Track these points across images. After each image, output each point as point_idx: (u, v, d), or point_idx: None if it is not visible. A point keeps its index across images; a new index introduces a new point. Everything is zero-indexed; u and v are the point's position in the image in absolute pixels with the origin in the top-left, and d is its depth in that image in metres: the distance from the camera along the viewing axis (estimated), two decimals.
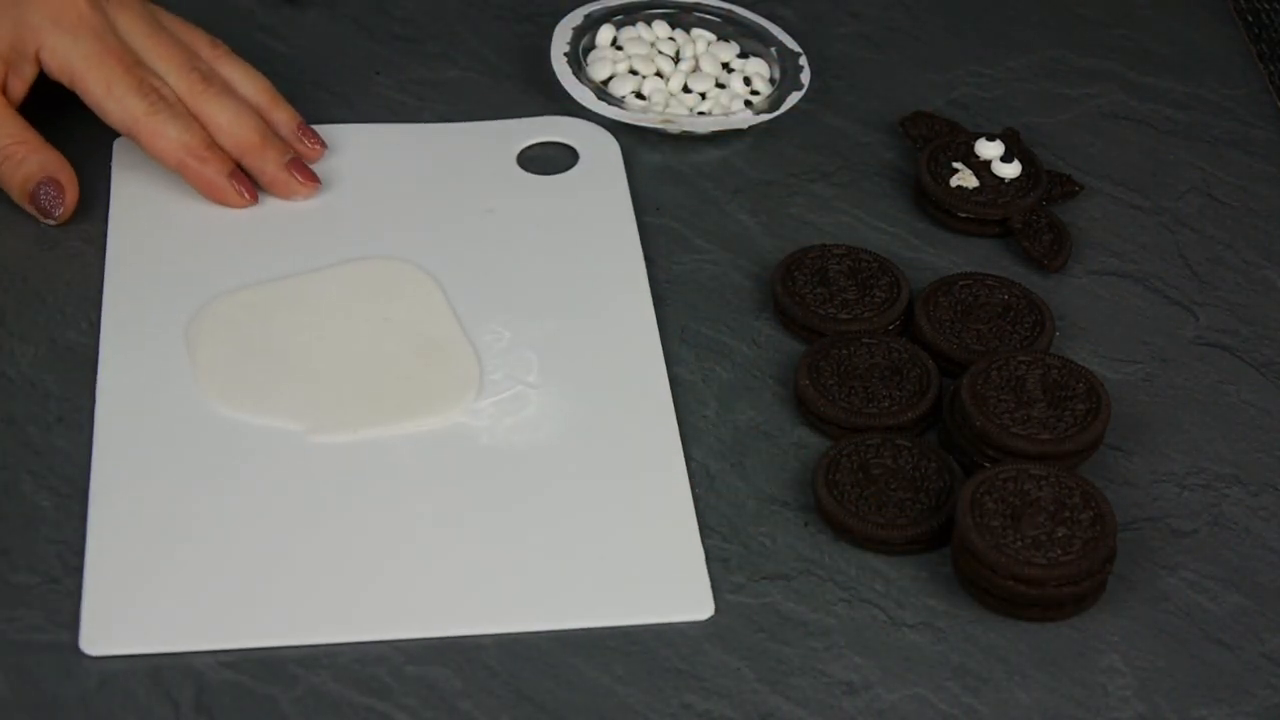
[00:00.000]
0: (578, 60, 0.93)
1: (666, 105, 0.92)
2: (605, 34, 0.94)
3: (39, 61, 0.84)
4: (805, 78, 0.93)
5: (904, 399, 0.79)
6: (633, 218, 0.87)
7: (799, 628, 0.72)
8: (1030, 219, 0.87)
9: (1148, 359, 0.83)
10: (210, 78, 0.86)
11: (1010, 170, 0.88)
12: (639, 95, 0.92)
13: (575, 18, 0.95)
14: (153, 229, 0.85)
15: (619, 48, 0.94)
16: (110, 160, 0.87)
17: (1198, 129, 0.94)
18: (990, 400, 0.77)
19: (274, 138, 0.87)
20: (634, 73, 0.93)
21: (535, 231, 0.86)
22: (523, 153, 0.90)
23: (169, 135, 0.84)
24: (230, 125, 0.86)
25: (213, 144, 0.85)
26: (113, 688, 0.69)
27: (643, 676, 0.71)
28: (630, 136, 0.91)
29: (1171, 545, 0.76)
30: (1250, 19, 1.00)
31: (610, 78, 0.93)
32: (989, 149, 0.89)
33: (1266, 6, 1.01)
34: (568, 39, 0.93)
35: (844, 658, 0.72)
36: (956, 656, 0.72)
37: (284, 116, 0.88)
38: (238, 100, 0.86)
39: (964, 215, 0.87)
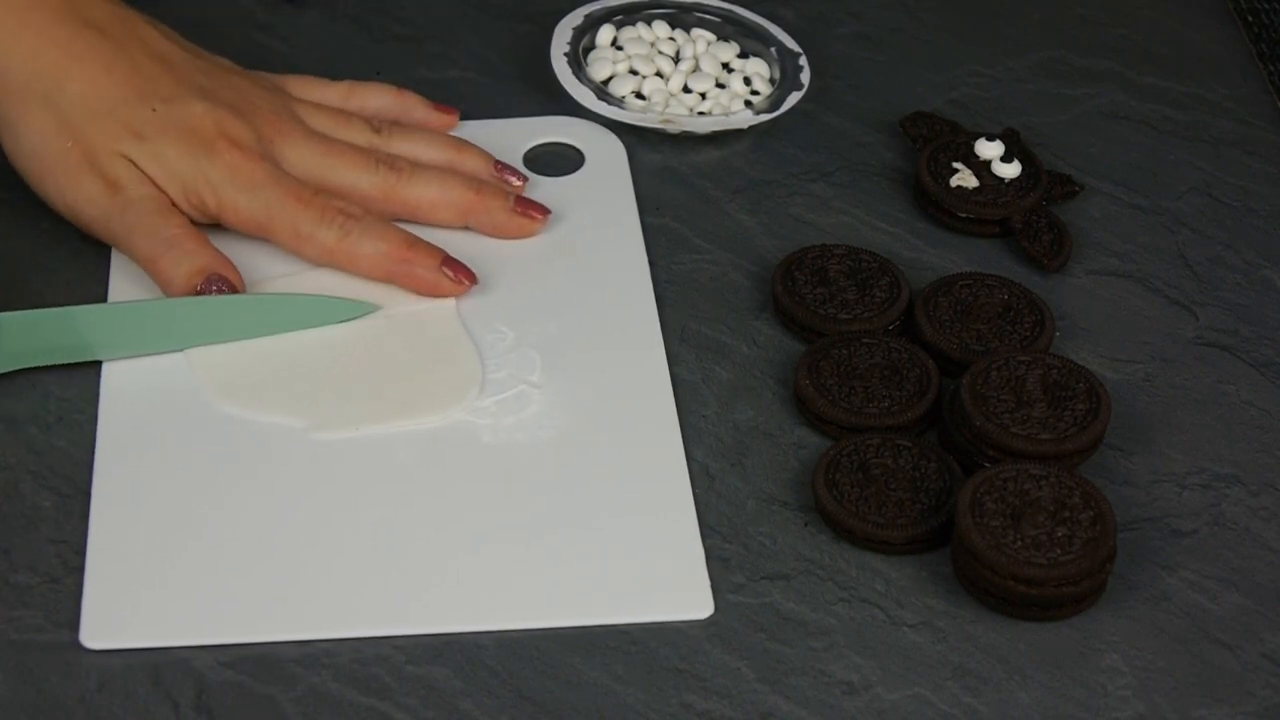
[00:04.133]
0: (578, 60, 0.93)
1: (666, 105, 0.92)
2: (605, 34, 0.94)
3: (215, 217, 0.82)
4: (805, 78, 0.93)
5: (904, 399, 0.79)
6: (637, 220, 0.87)
7: (799, 628, 0.73)
8: (1030, 219, 0.87)
9: (1148, 359, 0.83)
10: (396, 164, 0.84)
11: (1010, 170, 0.88)
12: (639, 95, 0.92)
13: (575, 18, 0.95)
14: None
15: (619, 48, 0.94)
16: None
17: (1198, 129, 0.94)
18: (990, 400, 0.77)
19: (487, 185, 0.85)
20: (634, 73, 0.93)
21: (541, 232, 0.86)
22: (529, 152, 0.90)
23: (366, 253, 0.82)
24: (441, 196, 0.84)
25: (413, 242, 0.82)
26: (113, 688, 0.69)
27: (643, 676, 0.71)
28: (630, 136, 0.91)
29: (1171, 545, 0.76)
30: (1250, 19, 1.00)
31: (610, 78, 0.93)
32: (989, 149, 0.89)
33: (1266, 6, 1.01)
34: (568, 39, 0.93)
35: (844, 658, 0.72)
36: (956, 656, 0.72)
37: (477, 162, 0.87)
38: (433, 170, 0.85)
39: (964, 215, 0.87)
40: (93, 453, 0.76)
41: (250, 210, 0.82)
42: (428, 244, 0.83)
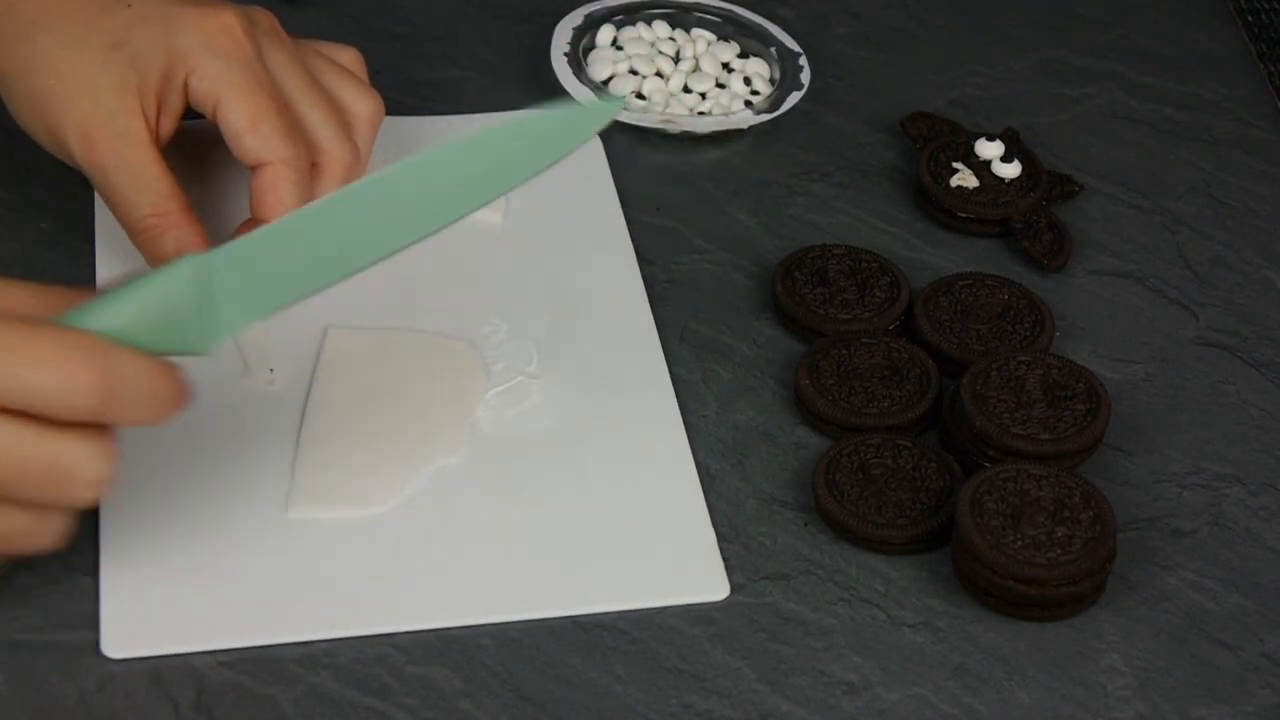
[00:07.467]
0: (578, 60, 0.93)
1: (666, 105, 0.92)
2: (605, 34, 0.94)
3: (186, 91, 0.77)
4: (805, 78, 0.93)
5: (904, 399, 0.79)
6: (620, 211, 0.87)
7: (799, 628, 0.73)
8: (1030, 219, 0.87)
9: (1148, 359, 0.83)
10: (356, 153, 0.80)
11: (1010, 170, 0.88)
12: (639, 95, 0.92)
13: (575, 18, 0.95)
14: None
15: (619, 48, 0.94)
16: None
17: (1198, 129, 0.94)
18: (990, 400, 0.77)
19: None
20: (634, 73, 0.93)
21: (522, 224, 0.86)
22: None
23: (284, 197, 0.77)
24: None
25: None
26: (113, 688, 0.69)
27: (643, 676, 0.71)
28: (630, 136, 0.91)
29: (1171, 545, 0.76)
30: (1250, 19, 1.00)
31: (610, 78, 0.93)
32: (989, 149, 0.89)
33: (1266, 6, 1.01)
34: (568, 39, 0.93)
35: (844, 658, 0.72)
36: (956, 656, 0.72)
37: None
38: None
39: (964, 215, 0.88)
40: None
41: (217, 81, 0.76)
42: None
